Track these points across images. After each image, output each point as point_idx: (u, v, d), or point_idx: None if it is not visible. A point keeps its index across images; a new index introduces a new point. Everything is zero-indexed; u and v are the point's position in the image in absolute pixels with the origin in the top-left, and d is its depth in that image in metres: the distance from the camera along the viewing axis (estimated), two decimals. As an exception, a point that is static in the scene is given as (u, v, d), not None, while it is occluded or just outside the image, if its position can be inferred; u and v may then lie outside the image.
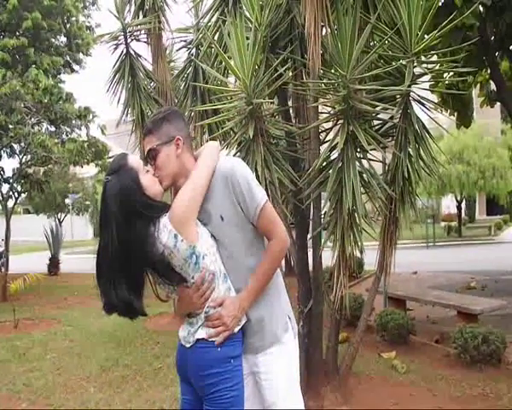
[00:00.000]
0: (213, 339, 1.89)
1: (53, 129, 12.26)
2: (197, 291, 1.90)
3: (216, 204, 1.95)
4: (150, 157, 1.96)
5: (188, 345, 1.95)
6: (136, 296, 1.89)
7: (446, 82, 6.33)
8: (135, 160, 1.95)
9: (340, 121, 3.61)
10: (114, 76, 5.94)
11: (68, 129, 12.44)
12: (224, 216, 1.95)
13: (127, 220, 1.82)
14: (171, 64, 6.83)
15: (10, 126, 10.41)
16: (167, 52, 6.57)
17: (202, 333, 1.91)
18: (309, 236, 4.20)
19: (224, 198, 1.94)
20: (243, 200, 1.92)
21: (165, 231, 1.82)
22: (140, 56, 6.18)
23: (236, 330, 1.94)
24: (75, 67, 14.07)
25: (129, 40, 5.95)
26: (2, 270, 10.39)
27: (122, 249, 1.82)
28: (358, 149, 3.67)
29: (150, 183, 1.92)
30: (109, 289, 1.85)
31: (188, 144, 2.02)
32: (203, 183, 1.92)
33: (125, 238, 1.81)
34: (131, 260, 1.83)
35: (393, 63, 3.66)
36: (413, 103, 3.62)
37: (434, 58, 4.17)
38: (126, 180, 1.86)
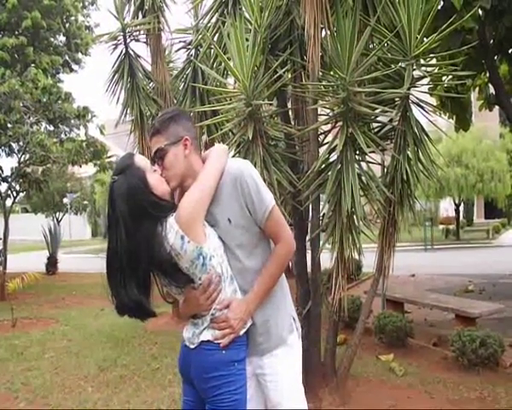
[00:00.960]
0: (219, 341, 1.89)
1: (51, 128, 12.27)
2: (204, 293, 1.88)
3: (224, 206, 1.94)
4: (158, 157, 1.94)
5: (192, 346, 1.94)
6: (145, 296, 1.88)
7: (445, 85, 6.33)
8: (141, 159, 1.94)
9: (340, 123, 3.62)
10: (113, 76, 5.95)
11: (67, 128, 12.46)
12: (231, 219, 1.94)
13: (135, 220, 1.81)
14: (171, 65, 6.85)
15: (9, 125, 10.42)
16: (166, 53, 6.58)
17: (208, 335, 1.91)
18: (307, 237, 4.21)
19: (231, 200, 1.93)
20: (251, 202, 1.91)
21: (172, 232, 1.81)
22: (139, 57, 6.19)
23: (242, 333, 1.94)
24: (74, 66, 14.10)
25: (128, 40, 5.96)
26: (0, 269, 10.38)
27: (130, 249, 1.81)
28: (357, 152, 3.68)
29: (158, 182, 1.90)
30: (119, 288, 1.84)
31: (195, 145, 2.01)
32: (211, 184, 1.91)
33: (132, 238, 1.80)
34: (139, 260, 1.82)
35: (393, 66, 3.67)
36: (412, 106, 3.63)
37: (433, 61, 4.18)
38: (133, 179, 1.84)
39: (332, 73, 3.76)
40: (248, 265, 1.98)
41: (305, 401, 2.13)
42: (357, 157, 3.68)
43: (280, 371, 2.04)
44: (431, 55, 3.89)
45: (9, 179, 12.04)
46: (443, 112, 7.37)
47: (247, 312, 1.94)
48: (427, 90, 4.02)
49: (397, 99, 3.67)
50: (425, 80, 3.80)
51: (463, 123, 7.69)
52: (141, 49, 6.26)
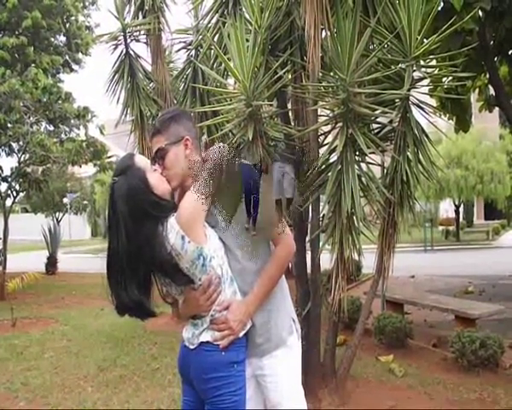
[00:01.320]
0: (218, 342, 1.89)
1: (52, 128, 12.29)
2: (204, 294, 1.89)
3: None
4: (158, 157, 1.95)
5: (192, 347, 1.95)
6: (146, 296, 1.88)
7: (445, 86, 6.34)
8: (142, 159, 1.94)
9: (339, 124, 3.61)
10: (114, 76, 5.95)
11: (67, 128, 12.47)
12: (232, 219, 1.94)
13: (135, 220, 1.81)
14: (171, 65, 6.85)
15: (9, 125, 10.43)
16: (167, 53, 6.58)
17: (207, 336, 1.91)
18: (307, 238, 4.20)
19: None
20: None
21: (173, 232, 1.81)
22: (139, 57, 6.18)
23: (241, 334, 1.94)
24: (74, 66, 14.09)
25: (128, 40, 5.95)
26: (0, 268, 10.38)
27: (131, 250, 1.81)
28: (357, 153, 3.68)
29: (158, 181, 1.90)
30: (120, 289, 1.85)
31: (196, 145, 2.01)
32: None
33: (133, 239, 1.80)
34: (140, 260, 1.82)
35: (393, 67, 3.66)
36: (412, 107, 3.62)
37: (433, 62, 4.18)
38: (134, 180, 1.85)
39: (332, 73, 3.75)
40: (248, 266, 1.98)
41: (305, 402, 2.14)
42: (357, 158, 3.68)
43: (280, 372, 2.04)
44: (431, 57, 3.87)
45: (9, 179, 12.04)
46: (443, 113, 7.37)
47: (246, 313, 1.94)
48: (427, 92, 4.02)
49: (397, 100, 3.66)
50: (425, 81, 3.79)
51: (463, 124, 7.69)
52: (141, 50, 6.27)
